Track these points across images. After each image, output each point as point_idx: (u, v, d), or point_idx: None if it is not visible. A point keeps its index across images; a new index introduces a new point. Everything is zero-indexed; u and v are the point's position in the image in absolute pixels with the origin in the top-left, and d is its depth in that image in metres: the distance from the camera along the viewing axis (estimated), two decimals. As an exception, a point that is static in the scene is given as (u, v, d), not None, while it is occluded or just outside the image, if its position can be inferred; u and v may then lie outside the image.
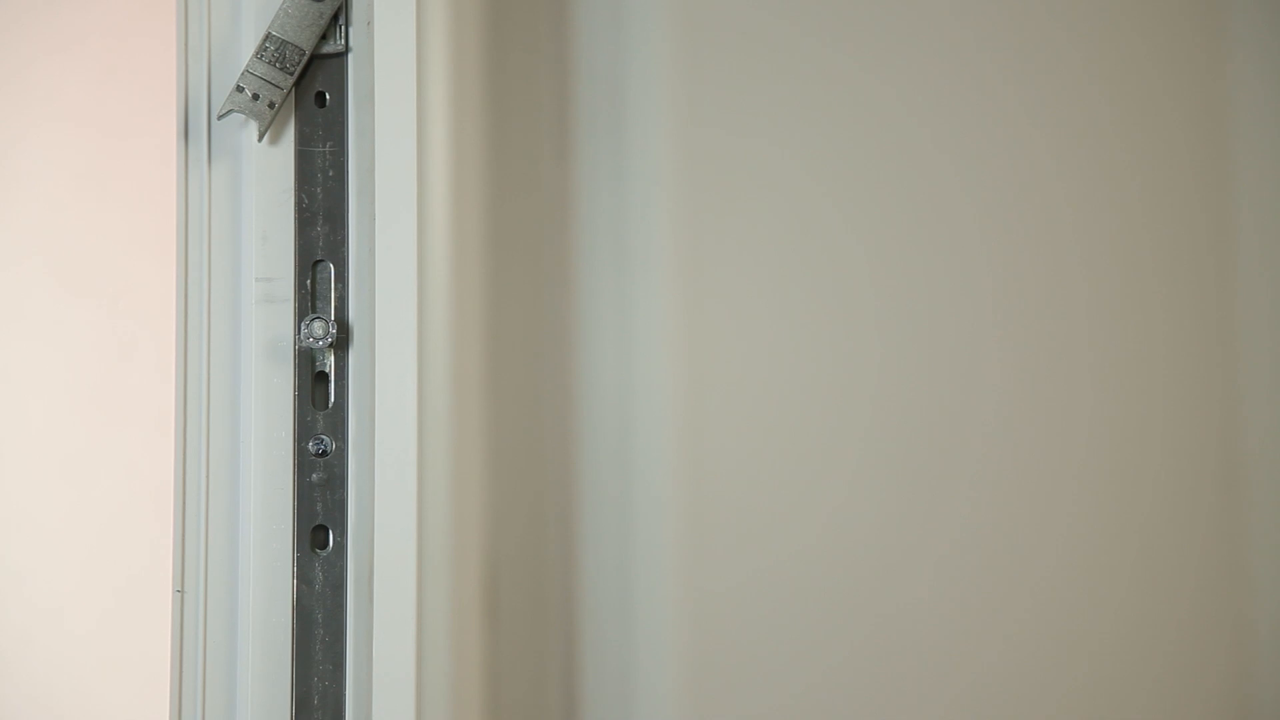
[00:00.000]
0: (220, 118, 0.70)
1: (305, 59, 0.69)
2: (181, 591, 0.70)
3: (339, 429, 0.70)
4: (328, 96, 0.71)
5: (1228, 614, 1.41)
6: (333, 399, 0.70)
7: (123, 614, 1.15)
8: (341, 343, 0.70)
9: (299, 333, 0.70)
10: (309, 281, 0.70)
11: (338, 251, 0.70)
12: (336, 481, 0.70)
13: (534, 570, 1.32)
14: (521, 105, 1.29)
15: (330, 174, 0.70)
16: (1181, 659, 1.47)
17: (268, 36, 0.69)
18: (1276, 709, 1.47)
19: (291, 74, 0.69)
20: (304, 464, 0.70)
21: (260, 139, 0.70)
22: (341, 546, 0.70)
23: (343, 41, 0.70)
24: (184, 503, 0.71)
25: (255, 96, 0.69)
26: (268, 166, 0.70)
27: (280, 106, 0.69)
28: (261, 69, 0.69)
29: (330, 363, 0.70)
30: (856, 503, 1.37)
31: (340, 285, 0.70)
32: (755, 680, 1.34)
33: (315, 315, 0.69)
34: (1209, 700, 1.48)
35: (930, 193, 1.29)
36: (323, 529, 0.70)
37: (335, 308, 0.70)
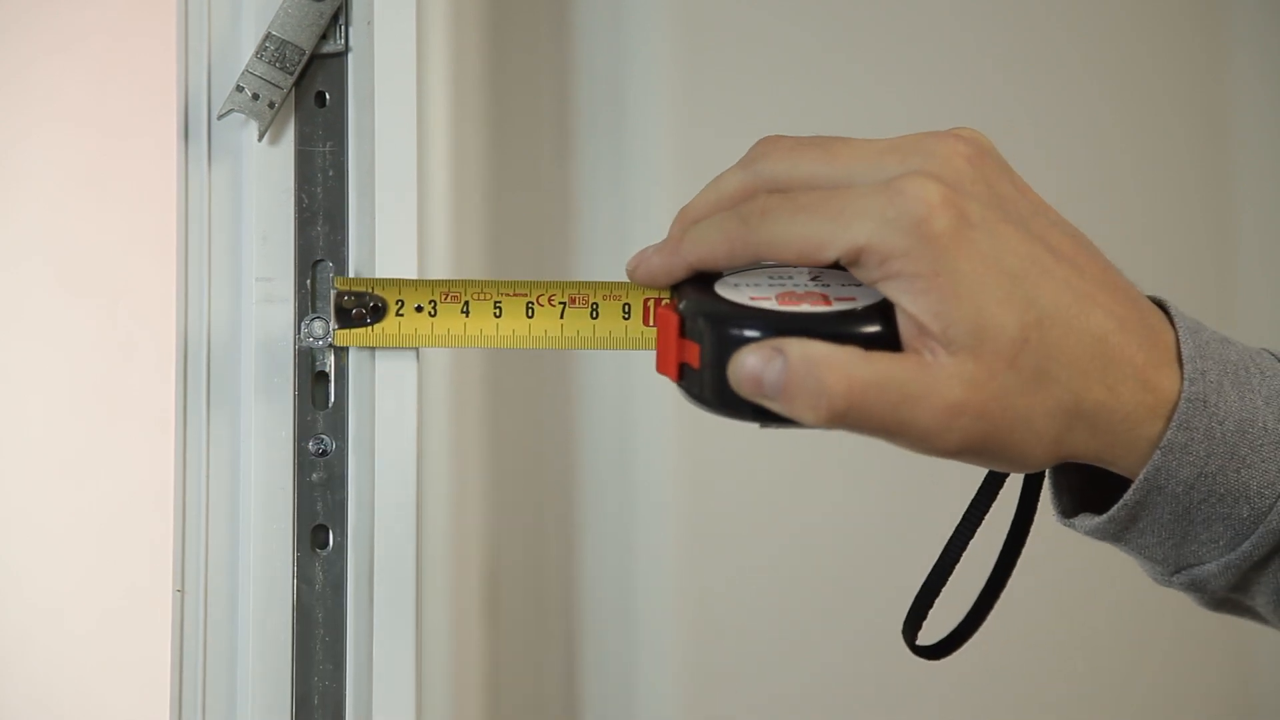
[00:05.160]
0: (220, 117, 0.70)
1: (305, 59, 0.69)
2: (181, 591, 0.70)
3: (339, 429, 0.70)
4: (328, 96, 0.71)
5: (1229, 617, 1.41)
6: (333, 399, 0.70)
7: (123, 614, 1.15)
8: (341, 342, 0.70)
9: (299, 332, 0.70)
10: (309, 281, 0.70)
11: (338, 251, 0.70)
12: (337, 481, 0.70)
13: (534, 569, 1.32)
14: (521, 105, 1.29)
15: (330, 174, 0.70)
16: (1181, 659, 1.47)
17: (268, 36, 0.69)
18: (1277, 709, 1.47)
19: (291, 74, 0.69)
20: (304, 464, 0.70)
21: (260, 139, 0.70)
22: (342, 546, 0.70)
23: (343, 41, 0.70)
24: (184, 502, 0.71)
25: (255, 96, 0.69)
26: (268, 166, 0.70)
27: (280, 106, 0.69)
28: (261, 69, 0.69)
29: (330, 362, 0.70)
30: (853, 501, 1.37)
31: (340, 285, 0.70)
32: (755, 681, 1.34)
33: (315, 315, 0.69)
34: (1209, 700, 1.47)
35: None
36: (323, 528, 0.70)
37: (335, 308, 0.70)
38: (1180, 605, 1.45)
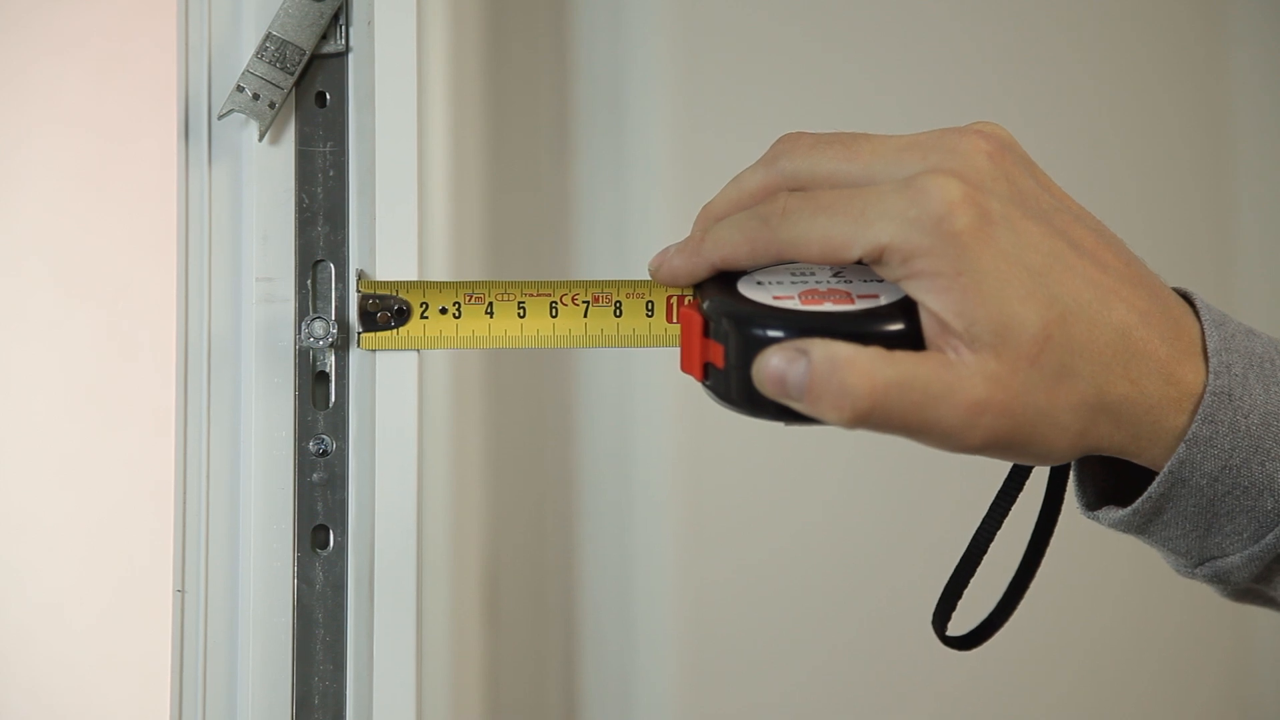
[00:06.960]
0: (220, 118, 0.70)
1: (306, 59, 0.69)
2: (182, 591, 0.70)
3: (339, 429, 0.70)
4: (328, 96, 0.71)
5: (1228, 613, 1.41)
6: (333, 399, 0.70)
7: (123, 610, 1.15)
8: (342, 343, 0.70)
9: (299, 332, 0.70)
10: (309, 281, 0.70)
11: (338, 251, 0.70)
12: (337, 481, 0.70)
13: (534, 569, 1.32)
14: (521, 105, 1.29)
15: (331, 174, 0.71)
16: (1181, 658, 1.47)
17: (268, 36, 0.69)
18: (1277, 709, 1.47)
19: (292, 74, 0.69)
20: (304, 464, 0.70)
21: (261, 139, 0.70)
22: (342, 546, 0.70)
23: (343, 41, 0.70)
24: (184, 502, 0.71)
25: (256, 96, 0.69)
26: (268, 166, 0.70)
27: (281, 106, 0.69)
28: (262, 69, 0.69)
29: (330, 363, 0.70)
30: (851, 499, 1.37)
31: (340, 285, 0.70)
32: (753, 679, 1.34)
33: (315, 315, 0.69)
34: (1209, 700, 1.48)
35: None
36: (323, 529, 0.70)
37: (335, 308, 0.70)
38: (1179, 605, 1.46)
